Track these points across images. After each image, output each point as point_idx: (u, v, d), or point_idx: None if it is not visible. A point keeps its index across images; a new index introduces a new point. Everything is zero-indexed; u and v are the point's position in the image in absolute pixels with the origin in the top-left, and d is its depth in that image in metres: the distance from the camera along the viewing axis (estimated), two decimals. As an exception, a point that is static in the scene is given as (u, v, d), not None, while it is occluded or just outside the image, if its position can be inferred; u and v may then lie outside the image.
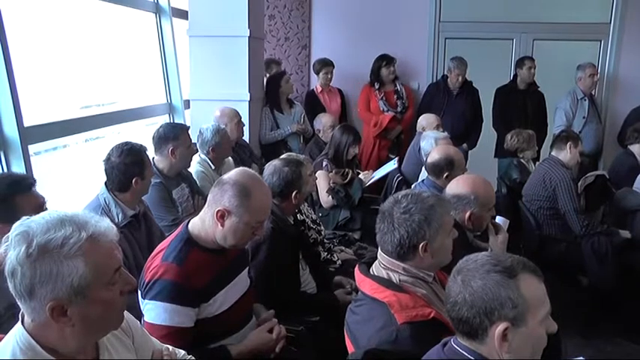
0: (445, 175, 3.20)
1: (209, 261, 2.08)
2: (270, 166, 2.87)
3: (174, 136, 3.40)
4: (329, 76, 6.01)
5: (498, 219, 2.91)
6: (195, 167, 3.84)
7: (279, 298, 2.53)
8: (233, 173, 2.14)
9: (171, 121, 5.09)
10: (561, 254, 3.89)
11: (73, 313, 1.28)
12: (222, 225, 2.04)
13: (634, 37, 6.17)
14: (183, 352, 1.84)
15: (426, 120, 4.92)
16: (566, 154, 4.17)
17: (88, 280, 1.27)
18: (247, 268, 2.34)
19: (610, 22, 6.29)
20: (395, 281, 1.84)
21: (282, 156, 3.17)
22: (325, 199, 4.23)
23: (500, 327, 1.34)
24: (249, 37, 4.92)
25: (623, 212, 4.36)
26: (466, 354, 1.41)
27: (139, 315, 1.98)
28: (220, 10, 4.90)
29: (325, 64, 6.00)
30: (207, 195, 2.17)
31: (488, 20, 6.38)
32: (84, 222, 1.31)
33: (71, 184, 3.80)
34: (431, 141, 4.05)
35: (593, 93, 5.91)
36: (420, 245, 1.83)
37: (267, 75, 5.68)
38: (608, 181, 4.55)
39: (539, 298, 1.39)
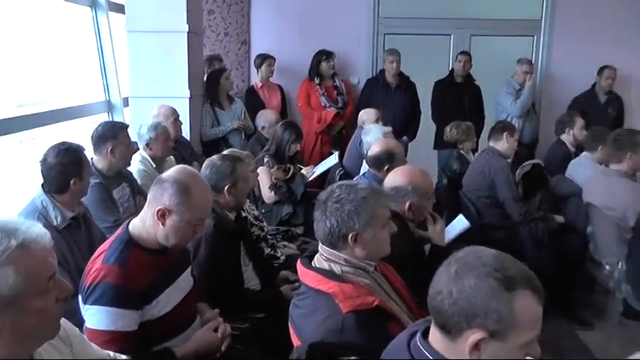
0: (386, 168, 3.23)
1: (151, 262, 2.05)
2: (208, 161, 2.87)
3: (113, 135, 3.33)
4: (271, 69, 6.00)
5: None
6: (136, 166, 3.78)
7: (222, 296, 2.52)
8: (172, 171, 2.12)
9: (110, 119, 4.97)
10: (501, 241, 3.98)
11: (3, 324, 1.23)
12: (164, 224, 2.02)
13: (563, 32, 6.46)
14: (125, 357, 1.82)
15: (366, 114, 4.98)
16: (503, 144, 4.31)
17: (19, 290, 1.23)
18: (190, 267, 2.31)
19: (541, 19, 6.55)
20: (337, 272, 1.85)
21: (224, 152, 3.15)
22: (268, 195, 4.24)
23: (475, 335, 1.25)
24: (188, 33, 4.85)
25: (558, 198, 4.56)
26: (429, 356, 1.34)
27: (79, 321, 1.94)
28: (158, 4, 4.80)
29: (266, 57, 6.00)
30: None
31: (426, 16, 6.50)
32: (13, 229, 1.26)
33: (4, 188, 3.67)
34: (377, 134, 4.10)
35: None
36: (350, 235, 1.83)
37: (208, 71, 5.63)
38: (543, 170, 4.72)
39: (531, 321, 1.27)
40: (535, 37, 6.63)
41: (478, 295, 1.24)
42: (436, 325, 1.34)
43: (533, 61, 6.40)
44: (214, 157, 2.90)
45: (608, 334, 3.93)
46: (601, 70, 6.07)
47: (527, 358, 1.31)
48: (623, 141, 4.04)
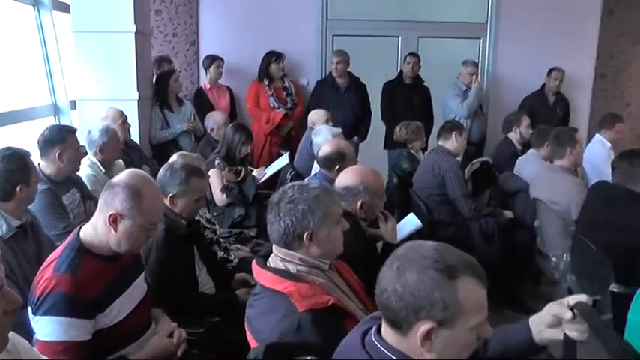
0: (337, 168, 3.26)
1: (103, 269, 2.02)
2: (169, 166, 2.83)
3: (61, 139, 3.25)
4: (220, 70, 5.97)
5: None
6: (85, 171, 3.70)
7: (176, 301, 2.50)
8: (123, 175, 2.09)
9: (58, 123, 4.83)
10: (451, 237, 4.04)
11: None
12: (116, 230, 1.99)
13: (509, 35, 6.64)
14: None
15: (316, 115, 5.01)
16: (452, 143, 4.41)
17: None
18: (143, 273, 2.29)
19: (487, 22, 6.71)
20: (292, 271, 1.86)
21: (177, 154, 3.13)
22: (219, 197, 4.22)
23: (425, 326, 1.26)
24: (135, 34, 4.78)
25: (506, 195, 4.71)
26: (388, 353, 1.35)
27: (29, 333, 1.89)
28: (104, 4, 4.71)
29: (215, 58, 5.97)
30: (98, 200, 2.10)
31: (374, 18, 6.55)
32: None
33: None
34: (327, 135, 4.14)
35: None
36: (305, 235, 1.85)
37: (157, 73, 5.55)
38: (492, 167, 4.85)
39: (477, 305, 1.30)
40: (481, 39, 6.78)
41: (422, 288, 1.26)
42: (387, 322, 1.36)
43: (480, 63, 6.57)
44: (177, 159, 2.86)
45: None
46: (549, 71, 6.27)
47: None
48: (563, 138, 4.22)
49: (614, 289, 3.24)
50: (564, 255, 3.76)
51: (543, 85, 6.36)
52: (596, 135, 5.44)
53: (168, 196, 2.68)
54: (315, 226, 1.86)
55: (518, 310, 4.20)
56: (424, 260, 1.29)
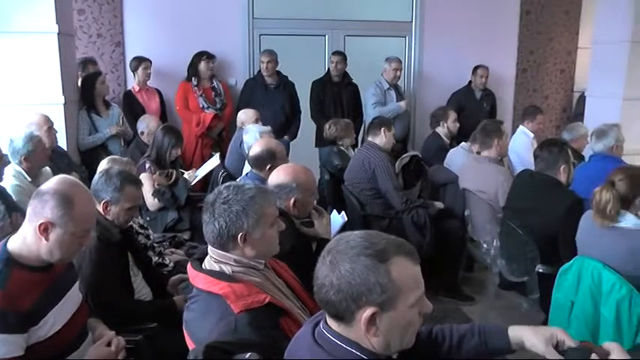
0: (268, 167, 3.29)
1: (34, 280, 1.96)
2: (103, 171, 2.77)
3: (-21, 148, 3.13)
4: (148, 72, 5.86)
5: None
6: (9, 181, 3.55)
7: (112, 309, 2.46)
8: (52, 182, 2.02)
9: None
10: (385, 229, 4.11)
11: None
12: (47, 239, 1.93)
13: (433, 34, 6.87)
14: None
15: (245, 115, 5.02)
16: (381, 139, 4.51)
17: None
18: (77, 282, 2.23)
19: (412, 21, 6.89)
20: (227, 272, 1.86)
21: (107, 159, 3.06)
22: (151, 201, 4.16)
23: (367, 312, 1.30)
24: (58, 34, 4.61)
25: (436, 186, 4.86)
26: (338, 342, 1.38)
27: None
28: (24, 2, 4.51)
29: (142, 60, 5.85)
30: (25, 210, 2.03)
31: (301, 17, 6.58)
32: None
33: None
34: (255, 134, 4.15)
35: (398, 84, 6.41)
36: (239, 236, 1.86)
37: (82, 75, 5.40)
38: (421, 160, 4.99)
39: (412, 282, 1.35)
40: (407, 37, 6.96)
41: (357, 276, 1.30)
42: (330, 317, 1.39)
43: (405, 61, 6.76)
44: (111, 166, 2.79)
45: (488, 306, 4.24)
46: (475, 68, 6.53)
47: None
48: (490, 129, 4.41)
49: (540, 270, 3.42)
50: (494, 241, 3.91)
51: (470, 82, 6.59)
52: (520, 126, 5.79)
53: (101, 203, 2.64)
54: (249, 228, 1.86)
55: (453, 296, 4.38)
56: (354, 249, 1.34)
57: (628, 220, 2.82)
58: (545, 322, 3.23)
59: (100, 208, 2.62)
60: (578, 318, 2.92)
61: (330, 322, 1.41)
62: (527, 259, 3.51)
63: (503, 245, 3.84)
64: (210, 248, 1.94)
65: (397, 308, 1.32)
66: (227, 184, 1.97)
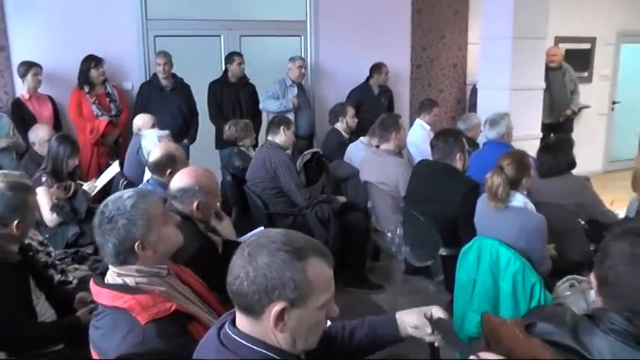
0: (169, 172, 3.22)
1: None
2: None
3: None
4: (38, 78, 5.49)
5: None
6: None
7: (14, 336, 2.32)
8: None
9: None
10: (289, 227, 4.16)
11: None
12: None
13: (328, 33, 6.97)
14: None
15: (141, 120, 4.87)
16: (281, 137, 4.52)
17: None
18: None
19: (306, 20, 6.97)
20: (131, 285, 1.83)
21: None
22: (49, 217, 3.95)
23: (277, 306, 1.32)
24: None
25: (338, 181, 4.94)
26: (243, 341, 1.39)
27: None
28: None
29: (31, 65, 5.46)
30: None
31: (195, 18, 6.47)
32: None
33: None
34: (153, 139, 4.04)
35: (302, 82, 6.48)
36: (136, 246, 1.82)
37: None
38: (322, 157, 5.04)
39: (325, 284, 1.39)
40: (302, 37, 7.02)
41: (273, 269, 1.32)
42: (240, 310, 1.40)
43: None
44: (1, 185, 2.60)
45: (396, 292, 4.38)
46: (378, 67, 6.70)
47: None
48: (388, 123, 4.54)
49: (443, 253, 3.57)
50: (397, 229, 4.05)
51: (368, 78, 6.75)
52: (417, 119, 6.03)
53: (14, 224, 2.48)
54: (142, 235, 1.83)
55: (362, 286, 4.47)
56: (274, 244, 1.36)
57: (518, 200, 3.07)
58: (451, 302, 3.37)
59: (14, 229, 2.47)
60: (480, 294, 3.11)
61: (239, 318, 1.41)
62: (430, 244, 3.64)
63: (406, 233, 3.97)
64: (111, 266, 1.88)
65: (307, 307, 1.35)
66: (105, 201, 1.90)
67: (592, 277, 1.65)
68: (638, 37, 8.92)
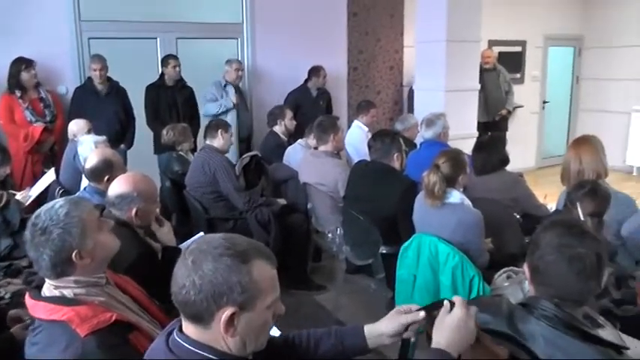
0: (106, 179, 3.15)
1: None
2: None
3: None
4: None
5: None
6: None
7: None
8: None
9: None
10: (230, 231, 4.08)
11: None
12: None
13: (264, 35, 7.00)
14: None
15: (76, 125, 4.74)
16: (219, 141, 4.51)
17: None
18: None
19: (242, 23, 6.96)
20: (69, 296, 1.78)
21: None
22: (-21, 230, 3.78)
23: (227, 312, 1.32)
24: None
25: (278, 183, 4.95)
26: (190, 347, 1.38)
27: None
28: None
29: None
30: None
31: (130, 20, 6.35)
32: None
33: None
34: (89, 145, 3.95)
35: (239, 85, 6.47)
36: (73, 255, 1.77)
37: None
38: (261, 159, 5.04)
39: (270, 284, 1.40)
40: (239, 39, 7.01)
41: (219, 275, 1.32)
42: (188, 319, 1.39)
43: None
44: None
45: (339, 292, 4.42)
46: (311, 69, 6.74)
47: None
48: (326, 125, 4.59)
49: (384, 251, 3.64)
50: (338, 229, 4.10)
51: (306, 81, 6.79)
52: (355, 121, 6.11)
53: None
54: (78, 244, 1.79)
55: (305, 288, 4.49)
56: (217, 249, 1.35)
57: (454, 197, 3.17)
58: (392, 299, 3.43)
59: None
60: (421, 289, 3.19)
61: (186, 327, 1.40)
62: (370, 242, 3.71)
63: (346, 232, 4.02)
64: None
65: (255, 309, 1.36)
66: (36, 212, 1.85)
67: (525, 267, 1.74)
68: (562, 41, 9.43)
